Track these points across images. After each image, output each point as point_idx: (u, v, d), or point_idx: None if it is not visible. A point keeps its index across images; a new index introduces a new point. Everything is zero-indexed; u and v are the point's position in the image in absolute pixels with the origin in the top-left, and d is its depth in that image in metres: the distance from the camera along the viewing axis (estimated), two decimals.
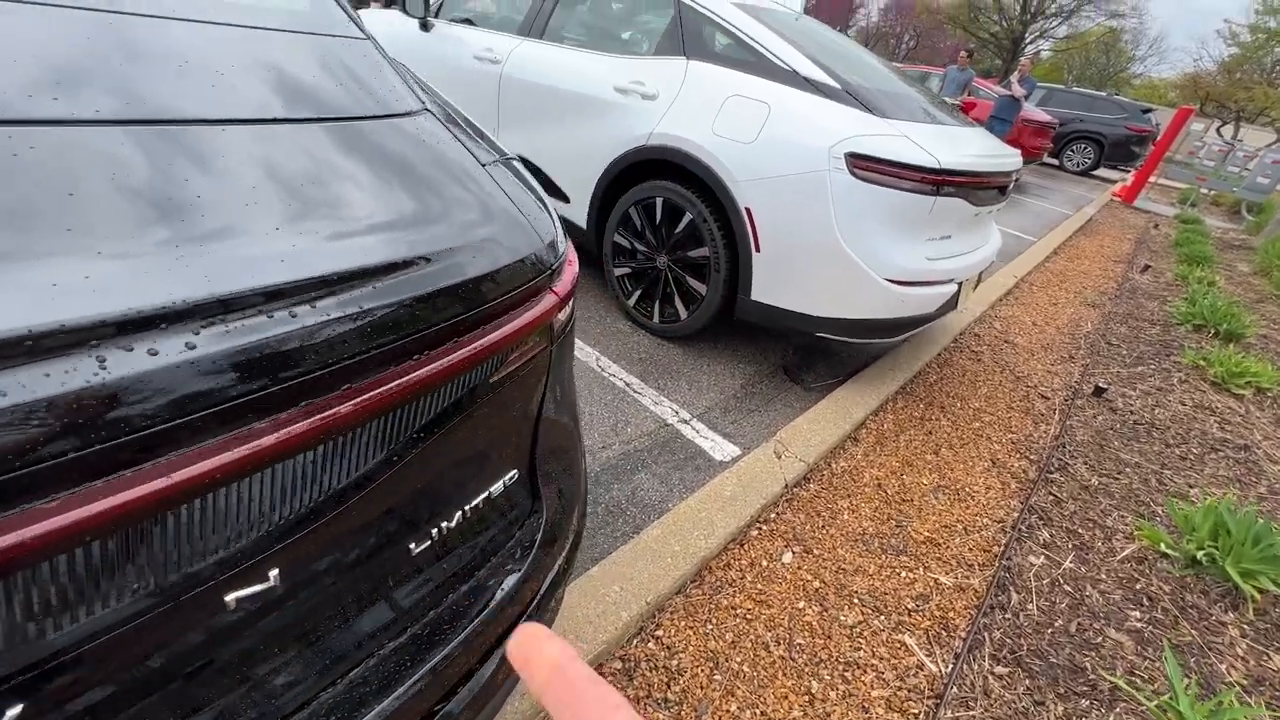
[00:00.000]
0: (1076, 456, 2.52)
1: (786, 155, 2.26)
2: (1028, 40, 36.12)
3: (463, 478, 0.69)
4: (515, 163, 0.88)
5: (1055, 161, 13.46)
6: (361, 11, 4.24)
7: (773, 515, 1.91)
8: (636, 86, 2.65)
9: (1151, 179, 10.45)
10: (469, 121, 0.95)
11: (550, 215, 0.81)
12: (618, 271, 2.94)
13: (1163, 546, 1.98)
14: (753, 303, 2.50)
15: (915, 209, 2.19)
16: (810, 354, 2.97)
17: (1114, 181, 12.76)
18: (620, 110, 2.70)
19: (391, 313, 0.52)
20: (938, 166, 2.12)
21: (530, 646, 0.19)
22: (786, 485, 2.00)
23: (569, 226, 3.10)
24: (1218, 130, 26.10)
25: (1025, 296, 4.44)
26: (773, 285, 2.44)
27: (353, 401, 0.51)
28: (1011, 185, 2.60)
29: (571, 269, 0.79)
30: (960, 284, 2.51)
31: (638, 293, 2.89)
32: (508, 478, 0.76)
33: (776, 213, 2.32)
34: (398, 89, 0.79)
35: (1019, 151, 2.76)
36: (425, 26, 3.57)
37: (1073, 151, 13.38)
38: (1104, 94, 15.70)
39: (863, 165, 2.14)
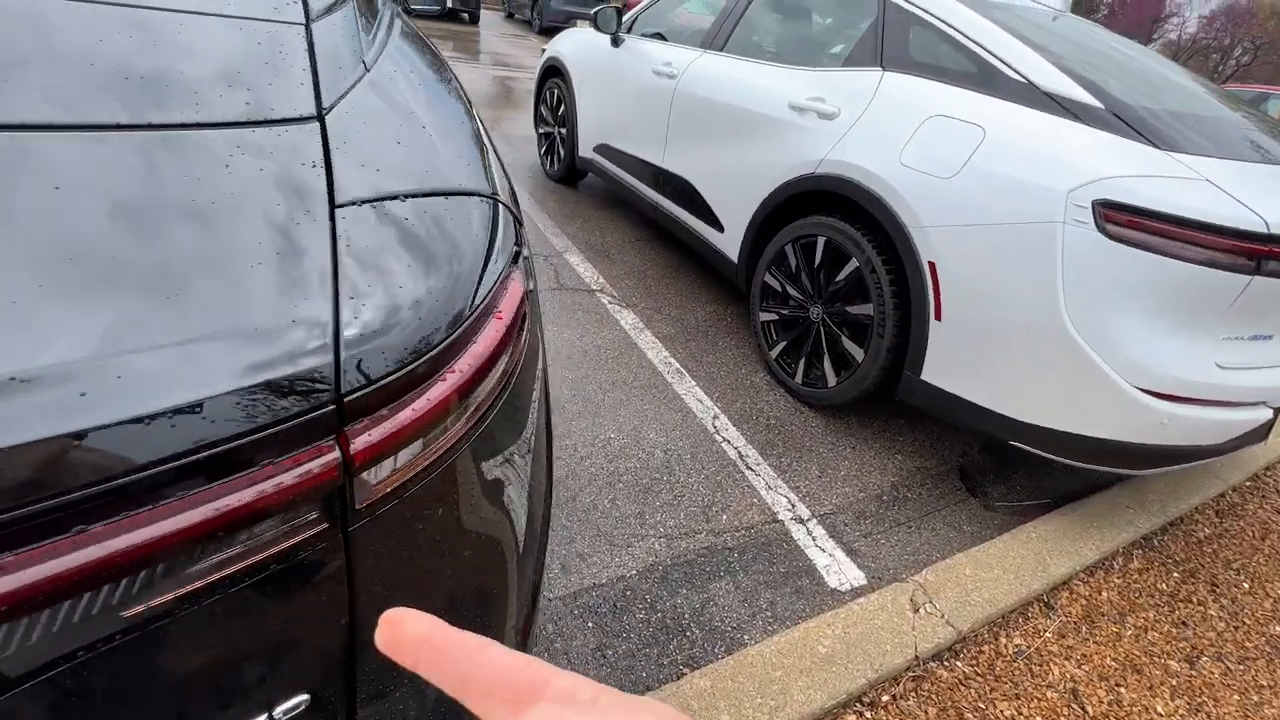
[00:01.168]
0: None
1: (999, 196, 1.65)
2: None
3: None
4: (477, 202, 0.60)
5: None
6: (569, 30, 4.39)
7: (886, 698, 1.36)
8: (815, 104, 2.21)
9: None
10: (441, 136, 0.69)
11: (457, 290, 0.51)
12: (764, 317, 2.52)
13: None
14: (922, 383, 1.90)
15: (1210, 291, 1.43)
16: (1004, 459, 2.22)
17: None
18: (793, 131, 2.28)
19: None
20: (1264, 231, 1.35)
21: (392, 632, 0.18)
22: (918, 657, 1.42)
23: (719, 259, 2.76)
24: None
25: None
26: (953, 366, 1.82)
27: None
28: None
29: (443, 385, 0.47)
30: (1278, 409, 1.63)
31: (783, 344, 2.43)
32: (282, 710, 0.47)
33: (972, 272, 1.72)
34: (283, 89, 0.55)
35: None
36: (616, 42, 3.52)
37: None
38: None
39: (1122, 219, 1.45)
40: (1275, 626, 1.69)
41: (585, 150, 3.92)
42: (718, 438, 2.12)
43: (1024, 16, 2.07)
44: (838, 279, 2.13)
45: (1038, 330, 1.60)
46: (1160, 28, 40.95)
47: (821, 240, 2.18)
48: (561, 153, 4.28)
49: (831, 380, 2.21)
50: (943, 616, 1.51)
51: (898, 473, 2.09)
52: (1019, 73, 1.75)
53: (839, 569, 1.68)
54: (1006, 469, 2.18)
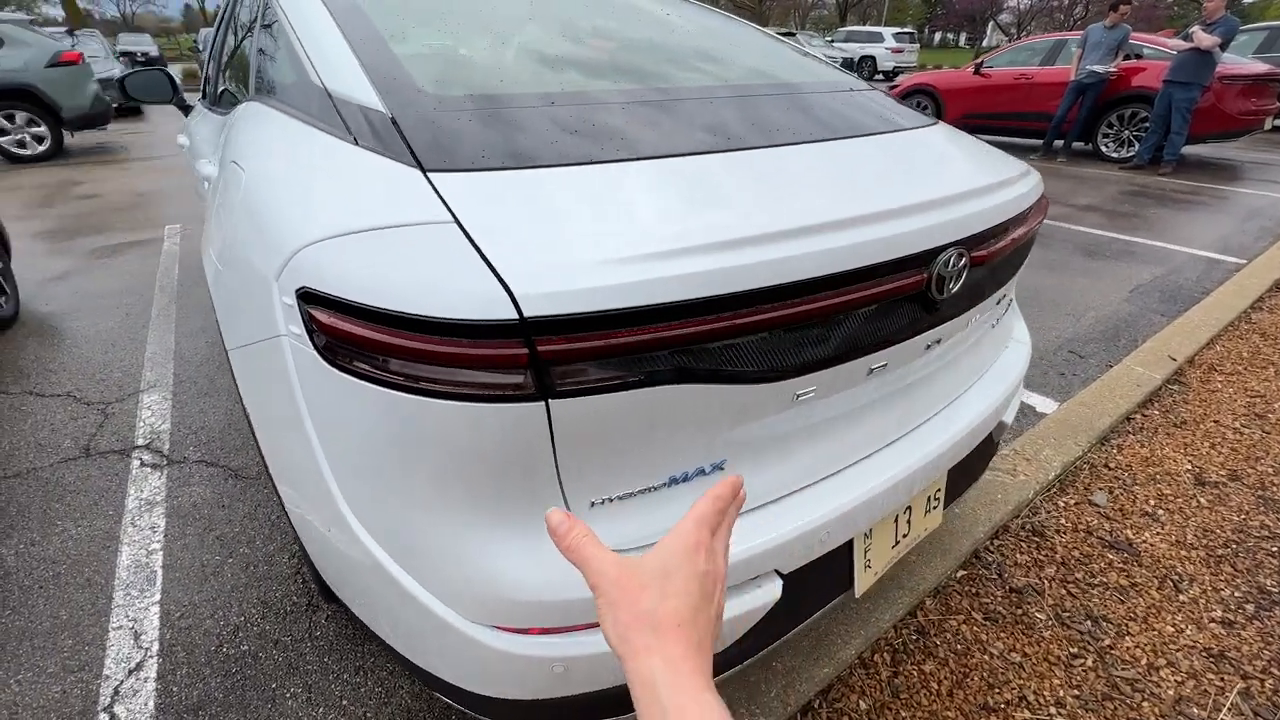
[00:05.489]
0: None
1: (243, 294, 0.92)
2: None
3: None
4: None
5: None
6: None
7: None
8: (209, 166, 1.48)
9: None
10: None
11: None
12: None
13: None
14: (339, 602, 1.14)
15: (496, 431, 0.71)
16: None
17: None
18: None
19: None
20: (512, 319, 0.63)
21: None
22: None
23: None
24: None
25: (1192, 407, 2.35)
26: (336, 577, 1.06)
27: None
28: (958, 272, 0.94)
29: None
30: (804, 567, 0.92)
31: None
32: None
33: (268, 432, 0.98)
34: None
35: (1026, 170, 1.08)
36: (186, 111, 2.77)
37: None
38: None
39: (329, 324, 0.73)
40: None
41: None
42: None
43: None
44: None
45: (337, 533, 0.86)
46: (1001, 0, 43.83)
47: None
48: None
49: None
50: None
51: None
52: (319, 75, 1.04)
53: None
54: None
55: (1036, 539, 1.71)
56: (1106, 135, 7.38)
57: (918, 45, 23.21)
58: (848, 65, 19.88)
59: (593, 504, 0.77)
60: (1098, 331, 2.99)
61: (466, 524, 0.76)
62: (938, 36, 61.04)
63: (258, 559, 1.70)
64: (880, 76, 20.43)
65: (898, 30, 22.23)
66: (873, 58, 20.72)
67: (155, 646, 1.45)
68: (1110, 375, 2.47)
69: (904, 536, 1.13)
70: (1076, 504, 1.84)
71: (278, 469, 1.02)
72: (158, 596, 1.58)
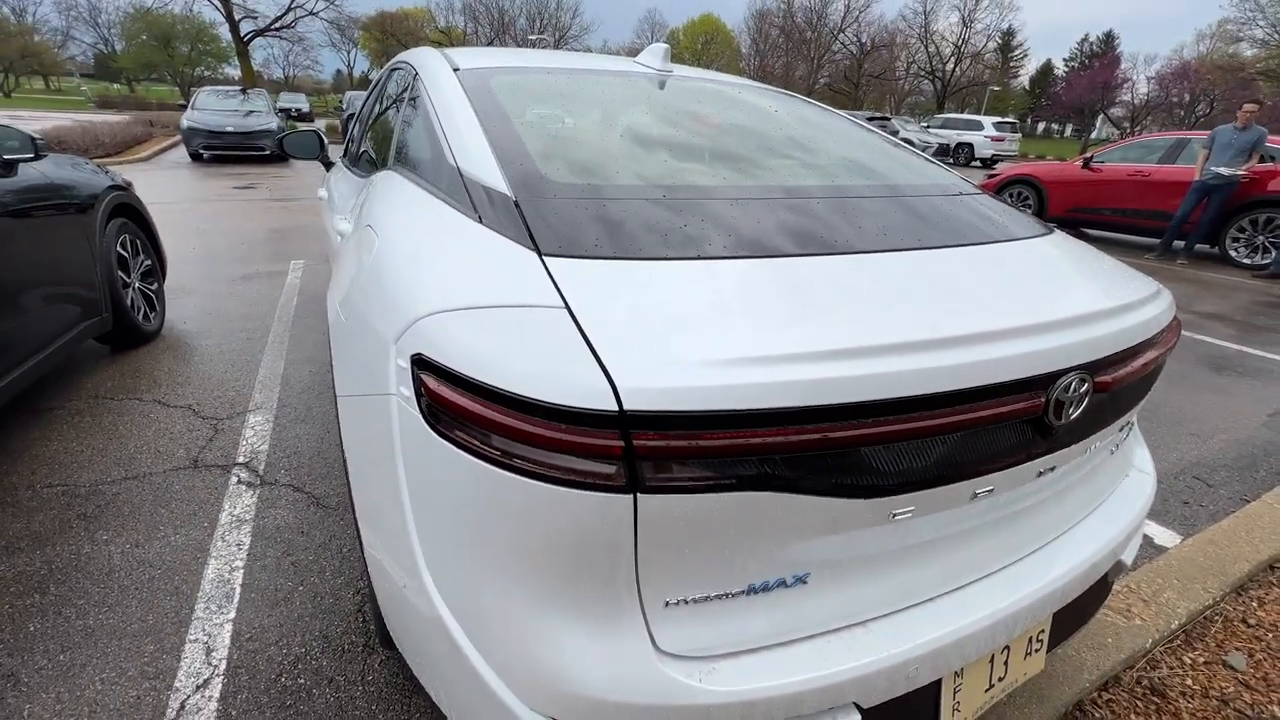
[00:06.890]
0: None
1: (360, 344, 0.99)
2: None
3: None
4: None
5: None
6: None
7: None
8: (344, 222, 1.64)
9: None
10: None
11: None
12: None
13: None
14: (395, 650, 1.15)
15: (583, 522, 0.71)
16: None
17: None
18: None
19: None
20: (611, 410, 0.64)
21: None
22: None
23: None
24: None
25: None
26: (399, 626, 1.08)
27: None
28: (1080, 398, 0.87)
29: None
30: (885, 703, 0.83)
31: None
32: None
33: (364, 476, 1.03)
34: None
35: (1157, 290, 1.01)
36: (328, 167, 3.12)
37: None
38: None
39: (437, 392, 0.77)
40: None
41: None
42: None
43: (523, 80, 1.51)
44: None
45: (410, 585, 0.88)
46: (1113, 94, 42.64)
47: None
48: None
49: None
50: None
51: None
52: (454, 155, 1.15)
53: None
54: None
55: (1156, 699, 1.48)
56: (1237, 240, 6.83)
57: (1019, 134, 22.76)
58: (943, 150, 19.76)
59: (667, 604, 0.74)
60: (1229, 457, 2.66)
61: (537, 604, 0.75)
62: (1040, 126, 59.75)
63: (325, 591, 1.75)
64: (977, 163, 20.11)
65: (999, 120, 21.97)
66: (970, 144, 20.49)
67: (223, 665, 1.51)
68: (1248, 512, 2.17)
69: (1000, 680, 1.01)
70: (1207, 663, 1.59)
71: (364, 512, 1.07)
72: (232, 614, 1.66)
